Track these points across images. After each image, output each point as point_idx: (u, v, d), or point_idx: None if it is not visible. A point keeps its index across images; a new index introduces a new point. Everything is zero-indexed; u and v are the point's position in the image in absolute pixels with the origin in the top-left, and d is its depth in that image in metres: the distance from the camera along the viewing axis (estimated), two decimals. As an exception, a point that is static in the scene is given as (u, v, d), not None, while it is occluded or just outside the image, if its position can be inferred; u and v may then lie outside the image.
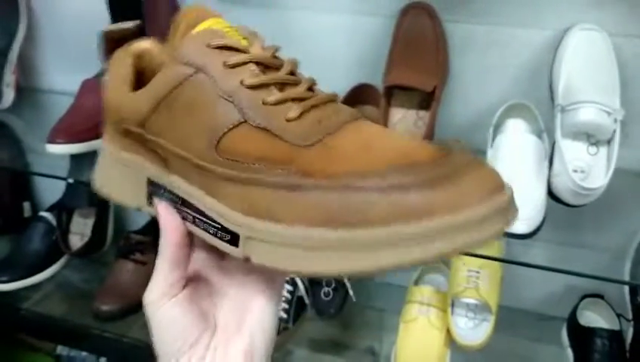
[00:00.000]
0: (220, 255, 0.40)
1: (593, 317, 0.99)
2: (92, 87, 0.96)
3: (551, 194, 0.76)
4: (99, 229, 1.17)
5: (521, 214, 0.73)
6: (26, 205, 1.28)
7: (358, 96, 0.89)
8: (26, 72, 1.16)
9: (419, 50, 0.81)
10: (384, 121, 0.81)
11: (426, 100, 0.82)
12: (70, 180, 1.03)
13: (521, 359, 1.03)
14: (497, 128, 0.84)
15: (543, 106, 0.82)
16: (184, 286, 0.38)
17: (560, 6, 0.79)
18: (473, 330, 0.96)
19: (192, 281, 0.39)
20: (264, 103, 0.34)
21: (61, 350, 1.37)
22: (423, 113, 0.83)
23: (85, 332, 1.15)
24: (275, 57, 0.37)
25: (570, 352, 0.96)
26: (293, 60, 0.38)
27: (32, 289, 1.19)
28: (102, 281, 1.13)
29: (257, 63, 0.35)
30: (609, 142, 0.76)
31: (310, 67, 1.07)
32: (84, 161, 1.00)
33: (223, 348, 0.37)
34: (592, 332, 0.93)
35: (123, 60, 0.41)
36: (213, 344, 0.37)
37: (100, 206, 1.18)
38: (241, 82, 0.34)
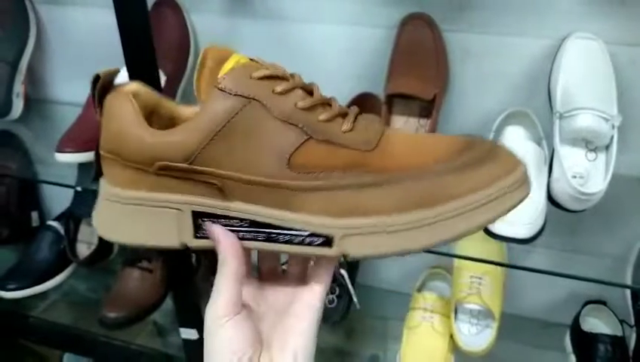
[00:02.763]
0: (259, 284, 0.44)
1: (596, 323, 0.99)
2: (100, 97, 0.98)
3: (551, 199, 0.77)
4: (106, 238, 1.18)
5: (521, 219, 0.74)
6: (34, 214, 1.29)
7: (360, 105, 0.89)
8: (35, 83, 1.18)
9: (419, 59, 0.83)
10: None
11: (427, 108, 0.83)
12: (78, 188, 1.04)
13: (524, 366, 1.04)
14: (497, 135, 0.85)
15: (541, 113, 0.83)
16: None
17: (557, 16, 0.81)
18: (476, 336, 0.97)
19: (249, 312, 0.41)
20: (319, 121, 0.38)
21: (68, 357, 1.38)
22: (424, 121, 0.84)
23: (92, 339, 1.17)
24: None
25: (573, 358, 0.97)
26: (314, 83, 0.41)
27: (40, 298, 1.20)
28: (109, 289, 1.14)
29: (301, 87, 0.39)
30: (607, 147, 0.77)
31: (313, 77, 1.08)
32: (91, 170, 1.02)
33: None
34: (594, 338, 0.93)
35: (127, 100, 0.41)
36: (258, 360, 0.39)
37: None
38: (295, 105, 0.38)
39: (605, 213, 0.81)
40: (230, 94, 0.37)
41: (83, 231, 1.20)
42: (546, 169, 0.78)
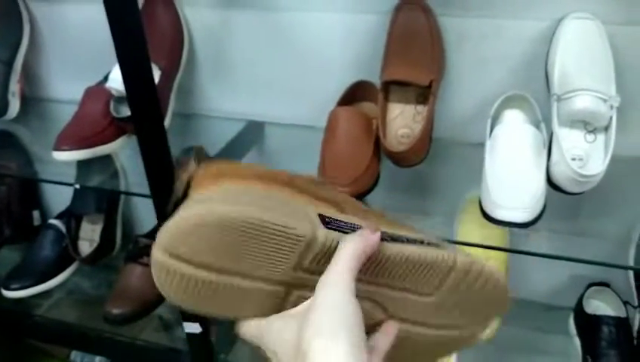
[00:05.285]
0: None
1: (599, 305, 0.99)
2: (95, 94, 0.98)
3: (550, 182, 0.77)
4: (107, 234, 1.18)
5: (521, 203, 0.74)
6: (36, 213, 1.29)
7: (356, 93, 0.90)
8: (31, 81, 1.17)
9: (414, 45, 0.82)
10: (383, 117, 0.82)
11: (424, 95, 0.82)
12: (77, 186, 1.04)
13: (528, 349, 1.03)
14: (495, 120, 0.84)
15: (540, 96, 0.82)
16: None
17: (553, -4, 0.80)
18: (480, 322, 0.97)
19: None
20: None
21: (75, 355, 1.39)
22: (421, 108, 0.84)
23: (98, 336, 1.17)
24: None
25: (577, 341, 0.97)
26: None
27: (44, 296, 1.21)
28: (112, 286, 1.14)
29: None
30: (606, 129, 0.76)
31: (309, 66, 1.08)
32: (90, 167, 1.01)
33: None
34: (598, 320, 0.93)
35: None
36: None
37: (108, 211, 1.19)
38: None
39: (606, 195, 0.80)
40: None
41: (84, 229, 1.21)
42: (544, 152, 0.77)
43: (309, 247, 0.37)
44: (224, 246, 0.35)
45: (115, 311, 1.08)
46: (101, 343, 1.18)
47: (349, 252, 0.37)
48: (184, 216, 0.35)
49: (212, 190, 0.38)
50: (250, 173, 0.40)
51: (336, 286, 0.36)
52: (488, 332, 0.38)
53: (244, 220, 0.35)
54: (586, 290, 0.99)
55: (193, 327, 0.98)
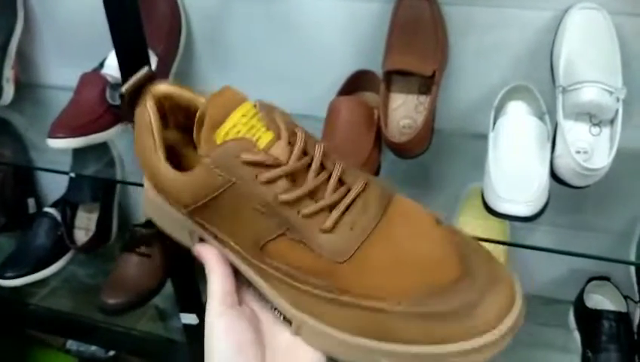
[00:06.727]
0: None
1: (600, 300, 0.98)
2: (91, 80, 0.96)
3: (554, 175, 0.76)
4: (103, 223, 1.17)
5: (524, 196, 0.73)
6: (31, 201, 1.28)
7: (358, 82, 0.88)
8: (25, 67, 1.15)
9: (417, 34, 0.80)
10: (384, 107, 0.81)
11: (426, 85, 0.81)
12: (72, 174, 1.03)
13: (528, 343, 1.03)
14: (499, 111, 0.83)
15: (544, 88, 0.81)
16: (240, 306, 0.40)
17: (559, -15, 0.78)
18: (479, 315, 0.96)
19: (251, 315, 0.41)
20: (300, 216, 0.36)
21: (70, 344, 1.38)
22: (423, 98, 0.82)
23: (94, 326, 1.17)
24: (304, 153, 0.38)
25: (577, 335, 0.96)
26: (322, 148, 0.39)
27: (39, 285, 1.20)
28: (108, 275, 1.13)
29: (288, 175, 0.37)
30: (612, 122, 0.75)
31: (308, 55, 1.06)
32: (86, 155, 1.00)
33: None
34: (599, 314, 0.93)
35: (148, 129, 0.42)
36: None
37: (104, 200, 1.18)
38: (276, 198, 0.36)
39: (610, 189, 0.79)
40: (215, 173, 0.37)
41: (80, 218, 1.19)
42: (548, 145, 0.76)
43: None
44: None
45: (111, 301, 1.07)
46: (97, 333, 1.18)
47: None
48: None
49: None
50: None
51: (208, 329, 0.38)
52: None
53: None
54: (586, 284, 0.99)
55: (190, 318, 0.97)
